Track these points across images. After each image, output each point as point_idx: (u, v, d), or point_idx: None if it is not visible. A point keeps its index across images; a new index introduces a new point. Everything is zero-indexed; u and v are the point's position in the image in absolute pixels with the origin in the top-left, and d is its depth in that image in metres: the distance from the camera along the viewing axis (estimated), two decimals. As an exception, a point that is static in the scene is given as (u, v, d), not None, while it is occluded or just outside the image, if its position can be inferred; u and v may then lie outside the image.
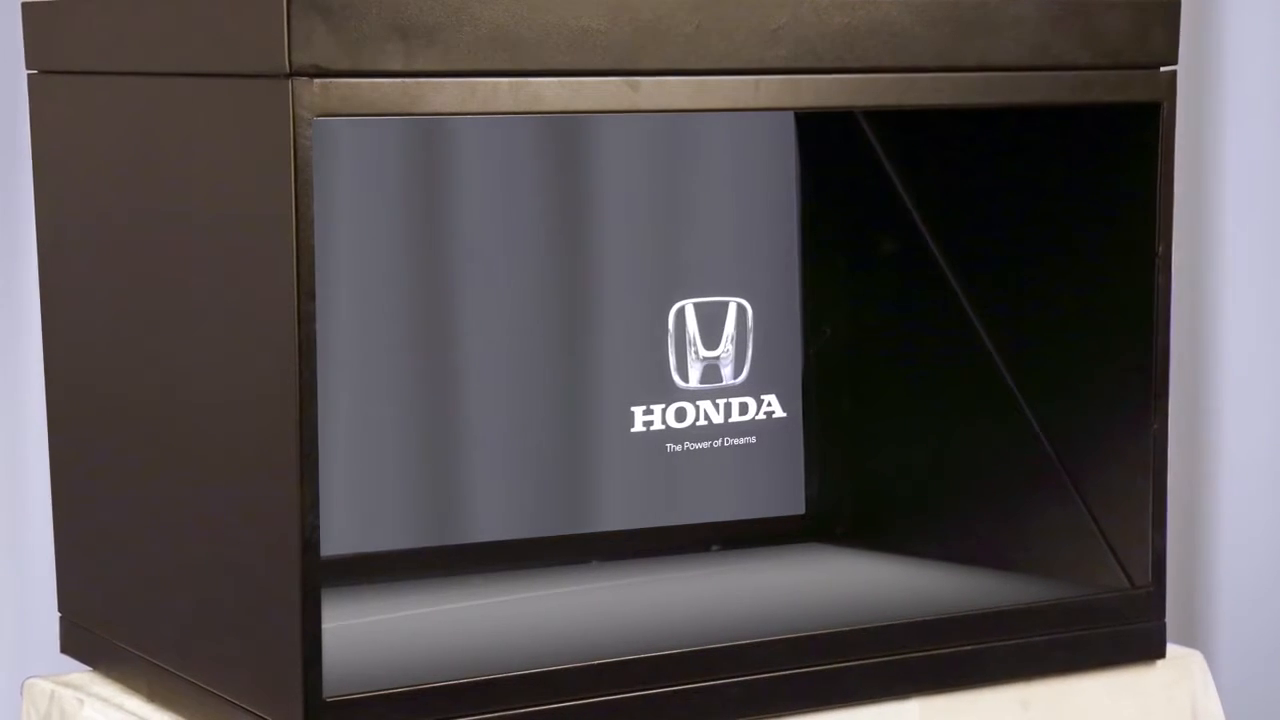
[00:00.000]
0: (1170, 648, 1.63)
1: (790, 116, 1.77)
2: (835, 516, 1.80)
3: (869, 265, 1.75)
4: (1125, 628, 1.60)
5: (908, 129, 1.71)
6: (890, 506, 1.77)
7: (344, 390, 1.97)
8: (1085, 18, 1.52)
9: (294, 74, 1.30)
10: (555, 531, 1.78)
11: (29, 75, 1.60)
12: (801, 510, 1.82)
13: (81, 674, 1.58)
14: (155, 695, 1.50)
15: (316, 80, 1.31)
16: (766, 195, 2.05)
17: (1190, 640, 2.38)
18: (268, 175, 1.32)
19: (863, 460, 1.79)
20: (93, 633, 1.58)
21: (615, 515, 1.94)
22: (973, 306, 1.69)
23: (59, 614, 1.63)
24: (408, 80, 1.33)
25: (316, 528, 1.32)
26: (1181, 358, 2.38)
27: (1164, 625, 1.61)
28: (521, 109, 1.35)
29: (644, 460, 1.74)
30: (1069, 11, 1.51)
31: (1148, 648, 1.62)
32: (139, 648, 1.51)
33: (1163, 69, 1.56)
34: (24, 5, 1.60)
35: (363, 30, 1.31)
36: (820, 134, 1.77)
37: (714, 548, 1.77)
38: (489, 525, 2.03)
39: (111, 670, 1.56)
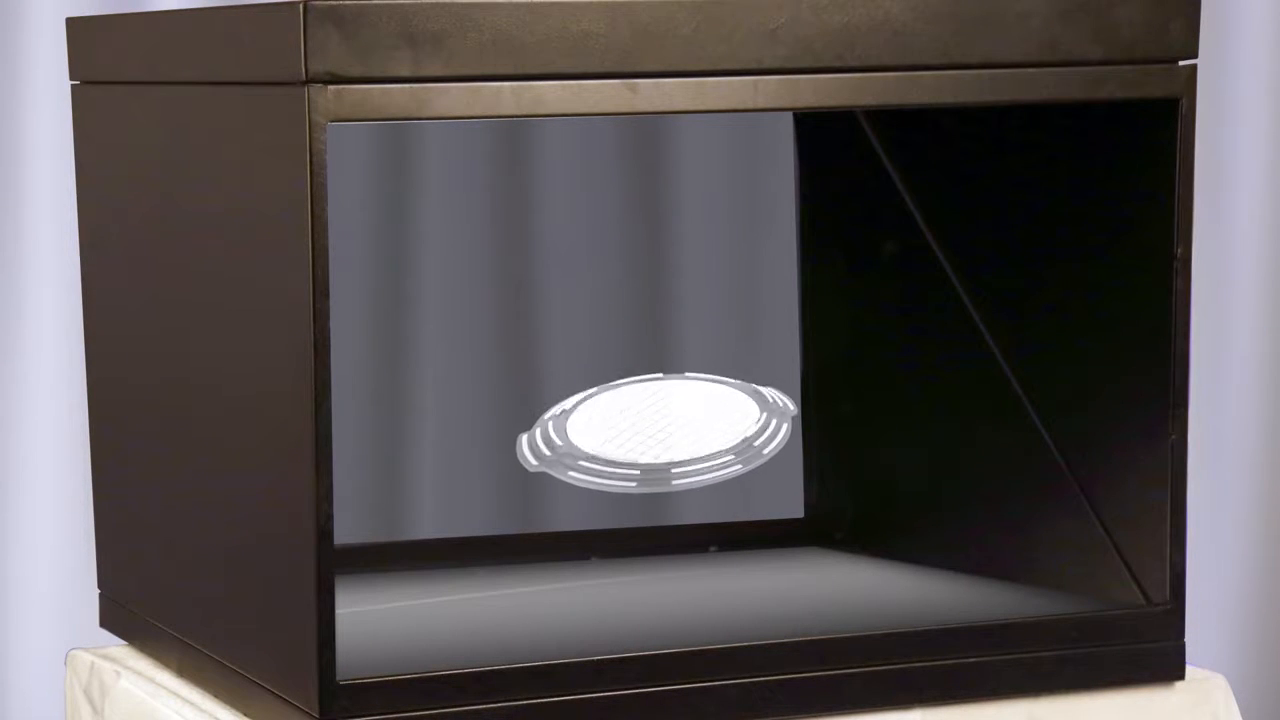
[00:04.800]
0: (1190, 670, 1.47)
1: (789, 116, 1.65)
2: (834, 521, 1.69)
3: (870, 266, 1.65)
4: (1141, 646, 1.44)
5: (910, 128, 1.60)
6: (891, 512, 1.65)
7: (350, 390, 1.90)
8: (1096, 12, 1.40)
9: (310, 81, 1.26)
10: (558, 529, 1.69)
11: (72, 85, 1.59)
12: (800, 514, 1.71)
13: (119, 648, 1.56)
14: (184, 670, 1.48)
15: (330, 87, 1.26)
16: (766, 195, 1.95)
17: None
18: (285, 178, 1.28)
19: (863, 465, 1.68)
20: (128, 609, 1.56)
21: (616, 514, 1.85)
22: (978, 310, 1.56)
23: (98, 590, 1.59)
24: (415, 86, 1.28)
25: (330, 516, 1.28)
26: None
27: (1183, 645, 1.45)
28: (524, 112, 1.30)
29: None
30: (1078, 6, 1.39)
31: (1165, 668, 1.45)
32: (170, 625, 1.49)
33: (1181, 63, 1.42)
34: (67, 20, 1.58)
35: (374, 39, 1.27)
36: (820, 134, 1.66)
37: (712, 549, 1.65)
38: (497, 521, 1.96)
39: (145, 645, 1.54)
